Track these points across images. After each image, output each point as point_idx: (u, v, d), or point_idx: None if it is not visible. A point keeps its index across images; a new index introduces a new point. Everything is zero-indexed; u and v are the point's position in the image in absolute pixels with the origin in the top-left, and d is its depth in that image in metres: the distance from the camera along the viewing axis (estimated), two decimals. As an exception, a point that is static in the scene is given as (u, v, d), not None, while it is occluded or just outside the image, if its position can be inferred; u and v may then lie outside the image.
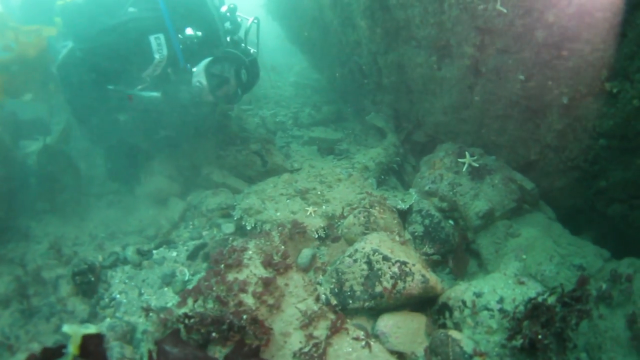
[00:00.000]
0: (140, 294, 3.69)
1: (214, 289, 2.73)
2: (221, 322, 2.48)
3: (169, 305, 3.50)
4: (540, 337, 2.30)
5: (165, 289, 3.69)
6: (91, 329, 1.95)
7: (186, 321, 2.53)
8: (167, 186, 4.67)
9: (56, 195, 4.71)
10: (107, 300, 3.68)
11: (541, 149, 3.68)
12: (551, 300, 2.50)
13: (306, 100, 7.18)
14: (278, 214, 3.84)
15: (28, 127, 5.13)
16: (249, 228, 3.82)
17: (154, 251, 3.99)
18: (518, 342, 2.37)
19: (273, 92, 7.37)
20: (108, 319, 3.53)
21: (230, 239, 3.89)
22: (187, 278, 3.71)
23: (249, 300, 2.70)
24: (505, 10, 2.98)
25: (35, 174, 5.07)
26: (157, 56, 4.03)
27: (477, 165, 3.96)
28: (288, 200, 4.02)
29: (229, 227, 4.11)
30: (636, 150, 3.11)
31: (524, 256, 3.57)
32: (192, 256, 3.86)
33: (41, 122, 5.29)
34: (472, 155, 4.03)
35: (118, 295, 3.70)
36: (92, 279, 3.71)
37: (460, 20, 3.40)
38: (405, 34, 4.32)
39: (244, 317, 2.50)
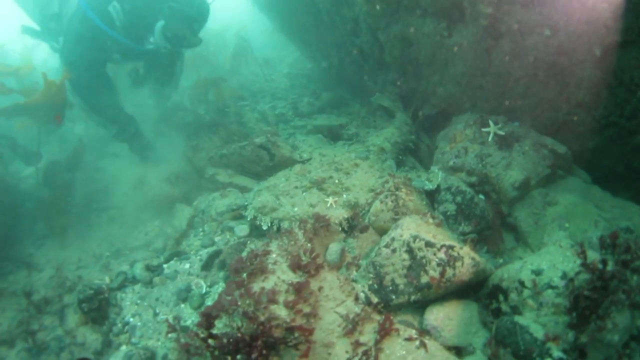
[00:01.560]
0: (155, 314, 3.31)
1: (239, 303, 2.35)
2: (254, 340, 2.12)
3: (189, 323, 3.14)
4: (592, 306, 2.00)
5: (182, 305, 3.31)
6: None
7: (212, 343, 2.17)
8: (170, 194, 4.30)
9: (55, 217, 4.34)
10: (120, 325, 3.30)
11: (570, 109, 3.31)
12: (611, 265, 2.17)
13: (303, 89, 6.79)
14: (295, 209, 3.47)
15: (22, 152, 4.81)
16: (265, 228, 3.45)
17: (165, 265, 3.61)
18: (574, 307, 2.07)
19: (268, 86, 6.98)
20: (124, 347, 3.16)
21: (248, 242, 3.52)
22: (204, 291, 3.33)
23: (281, 312, 2.34)
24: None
25: (32, 198, 4.71)
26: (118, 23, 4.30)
27: (503, 133, 3.59)
28: (304, 193, 3.65)
29: (242, 230, 3.73)
30: None
31: (567, 225, 3.23)
32: (206, 266, 3.48)
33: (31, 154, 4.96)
34: (496, 123, 3.67)
35: (131, 319, 3.32)
36: (101, 304, 3.34)
37: (475, -25, 3.03)
38: (409, 2, 3.94)
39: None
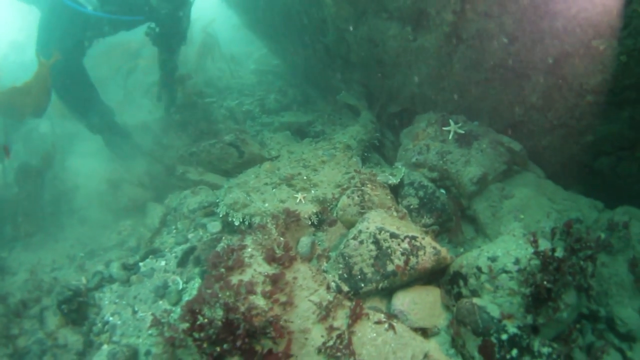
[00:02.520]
0: (134, 312, 3.40)
1: (220, 295, 2.49)
2: (235, 329, 2.27)
3: (170, 320, 3.23)
4: (545, 283, 2.28)
5: (160, 302, 3.41)
6: None
7: (196, 335, 2.30)
8: (141, 195, 4.36)
9: (25, 219, 4.31)
10: (100, 325, 3.37)
11: (525, 110, 3.63)
12: (559, 252, 2.47)
13: (269, 86, 6.91)
14: (266, 204, 3.63)
15: None
16: (237, 224, 3.59)
17: (141, 263, 3.69)
18: (527, 290, 2.34)
19: (235, 82, 7.07)
20: (105, 346, 3.24)
21: (222, 238, 3.64)
22: (181, 287, 3.44)
23: (259, 301, 2.50)
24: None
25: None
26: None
27: (462, 132, 3.88)
28: (274, 190, 3.81)
29: (215, 226, 3.86)
30: (622, 104, 3.10)
31: (522, 216, 3.55)
32: (182, 262, 3.59)
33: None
34: (456, 123, 3.95)
35: (111, 318, 3.39)
36: (80, 305, 3.38)
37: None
38: (376, 6, 4.15)
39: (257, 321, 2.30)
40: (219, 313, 2.41)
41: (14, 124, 5.17)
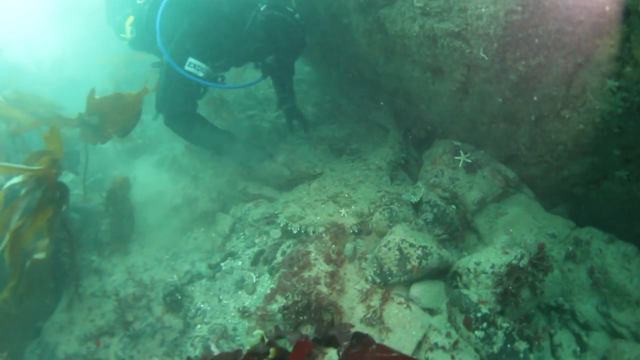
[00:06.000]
0: (220, 300, 5.53)
1: (297, 285, 4.66)
2: (309, 306, 4.43)
3: (247, 304, 5.39)
4: (510, 287, 4.36)
5: (239, 292, 5.56)
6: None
7: (285, 312, 4.47)
8: (211, 206, 6.53)
9: (115, 228, 6.45)
10: (193, 311, 5.44)
11: (518, 147, 5.63)
12: (524, 262, 4.55)
13: (304, 96, 8.92)
14: (318, 218, 5.75)
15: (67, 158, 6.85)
16: (295, 232, 5.70)
17: (222, 263, 5.87)
18: (498, 290, 4.44)
19: (271, 92, 9.09)
20: (199, 326, 5.36)
21: (283, 242, 5.79)
22: (254, 281, 5.59)
23: (323, 289, 4.66)
24: (486, 58, 4.83)
25: (79, 210, 6.83)
26: None
27: (470, 161, 5.93)
28: (323, 205, 5.93)
29: (276, 233, 6.00)
30: (585, 153, 5.03)
31: (511, 230, 5.61)
32: (254, 262, 5.75)
33: (75, 154, 7.05)
34: (465, 153, 6.00)
35: (202, 305, 5.49)
36: (179, 297, 5.56)
37: (451, 57, 5.23)
38: (402, 51, 6.14)
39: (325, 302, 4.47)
40: (297, 297, 4.58)
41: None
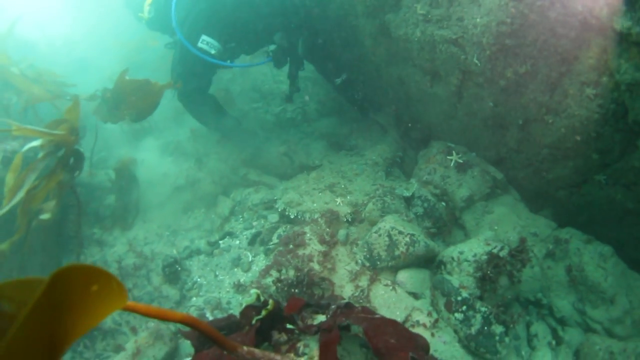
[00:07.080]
0: (216, 276, 6.02)
1: (291, 261, 5.12)
2: (302, 281, 4.89)
3: (242, 280, 5.86)
4: (489, 272, 4.84)
5: (235, 269, 6.03)
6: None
7: (278, 284, 4.93)
8: (213, 189, 7.00)
9: (117, 204, 6.94)
10: (190, 284, 5.96)
11: (507, 150, 6.13)
12: (504, 253, 5.03)
13: (308, 93, 9.44)
14: (315, 204, 6.22)
15: None
16: (292, 217, 6.17)
17: (220, 241, 6.33)
18: (477, 274, 4.92)
19: (276, 87, 9.61)
20: (194, 298, 5.85)
21: (280, 226, 6.26)
22: (250, 259, 6.06)
23: (315, 266, 5.12)
24: (479, 64, 5.33)
25: (84, 185, 7.28)
26: None
27: (461, 161, 6.42)
28: (320, 194, 6.40)
29: (274, 217, 6.47)
30: (567, 157, 5.53)
31: (496, 227, 6.09)
32: (251, 242, 6.22)
33: (82, 130, 7.48)
34: (457, 154, 6.49)
35: (198, 279, 6.00)
36: (178, 268, 6.03)
37: (448, 62, 5.74)
38: (404, 55, 6.66)
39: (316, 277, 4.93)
40: (290, 272, 5.05)
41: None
